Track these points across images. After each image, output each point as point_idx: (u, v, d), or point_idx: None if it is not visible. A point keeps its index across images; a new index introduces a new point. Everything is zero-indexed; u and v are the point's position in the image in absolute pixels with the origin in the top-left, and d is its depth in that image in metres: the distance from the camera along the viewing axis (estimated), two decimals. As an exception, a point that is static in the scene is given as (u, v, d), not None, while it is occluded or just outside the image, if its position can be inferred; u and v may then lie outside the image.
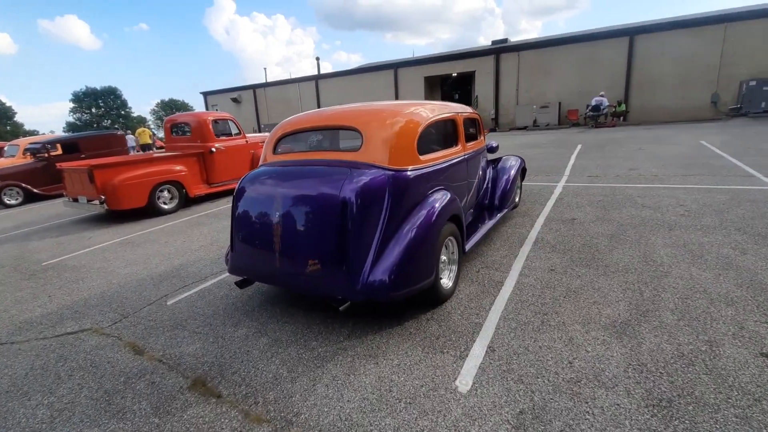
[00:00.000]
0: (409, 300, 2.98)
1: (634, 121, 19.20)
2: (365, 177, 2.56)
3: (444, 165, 3.29)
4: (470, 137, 4.17)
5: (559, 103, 20.52)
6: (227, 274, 4.17)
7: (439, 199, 3.01)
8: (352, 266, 2.52)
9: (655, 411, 2.00)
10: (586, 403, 2.09)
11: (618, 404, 2.06)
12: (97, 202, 6.67)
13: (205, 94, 34.21)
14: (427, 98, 24.49)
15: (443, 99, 26.61)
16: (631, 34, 19.14)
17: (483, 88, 22.61)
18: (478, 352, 2.57)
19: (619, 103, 18.95)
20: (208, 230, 6.02)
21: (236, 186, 3.07)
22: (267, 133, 10.45)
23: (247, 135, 9.02)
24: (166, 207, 7.25)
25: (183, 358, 2.75)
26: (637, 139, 12.95)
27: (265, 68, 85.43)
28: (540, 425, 1.96)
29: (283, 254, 2.72)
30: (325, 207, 2.55)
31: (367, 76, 26.16)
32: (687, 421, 1.91)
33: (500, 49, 22.30)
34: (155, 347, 2.92)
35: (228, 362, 2.67)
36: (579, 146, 12.35)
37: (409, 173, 2.82)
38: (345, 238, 2.50)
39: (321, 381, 2.40)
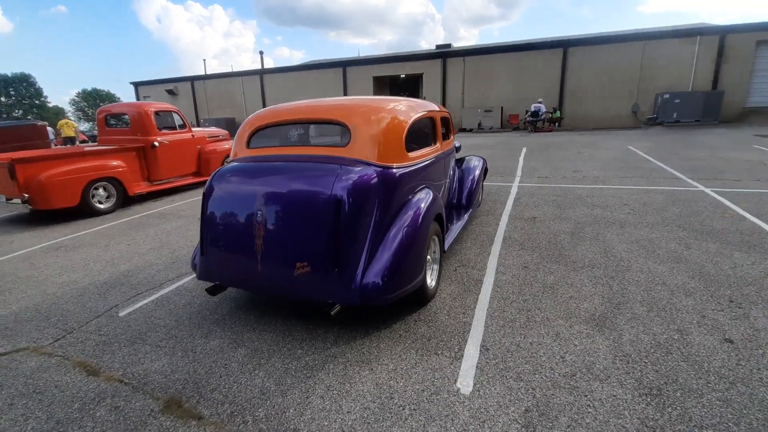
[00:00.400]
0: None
1: (567, 127, 20.73)
2: (357, 174, 2.43)
3: (426, 163, 3.25)
4: (444, 136, 4.18)
5: (502, 108, 21.56)
6: (186, 280, 3.80)
7: (424, 198, 2.96)
8: (345, 268, 2.38)
9: (649, 400, 2.10)
10: (585, 396, 2.14)
11: (614, 395, 2.14)
12: (19, 201, 5.79)
13: (137, 85, 31.48)
14: (376, 98, 24.63)
15: None
16: (565, 46, 20.64)
17: (431, 90, 23.12)
18: (472, 351, 2.55)
19: (555, 110, 20.34)
20: (155, 232, 5.47)
21: (206, 183, 2.78)
22: (215, 128, 9.83)
23: (192, 129, 8.38)
24: (101, 206, 6.49)
25: (149, 377, 2.43)
26: (574, 144, 13.95)
27: (204, 59, 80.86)
28: (548, 422, 1.98)
29: (265, 257, 2.50)
30: (316, 205, 2.38)
31: (315, 73, 25.65)
32: (678, 408, 2.03)
33: (447, 54, 22.96)
34: (113, 366, 2.56)
35: (204, 378, 2.40)
36: (524, 149, 13.03)
37: (396, 171, 2.73)
38: (338, 239, 2.36)
39: (314, 392, 2.24)
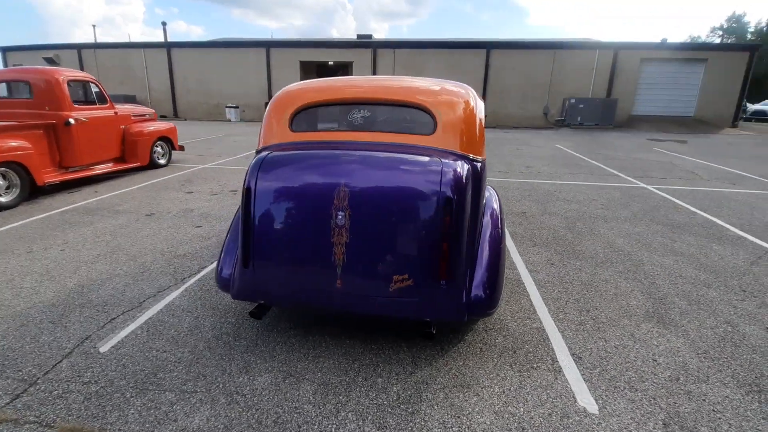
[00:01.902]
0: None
1: (491, 124, 22.02)
2: (458, 168, 2.04)
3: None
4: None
5: (430, 103, 22.03)
6: (173, 295, 3.00)
7: (493, 197, 2.68)
8: (453, 280, 1.99)
9: (756, 397, 2.12)
10: (704, 401, 2.09)
11: (726, 397, 2.12)
12: None
13: (4, 50, 25.52)
14: (302, 84, 23.39)
15: None
16: (488, 47, 21.82)
17: (361, 80, 22.74)
18: (567, 362, 2.36)
19: (480, 108, 21.45)
20: (92, 232, 4.31)
21: (247, 176, 2.13)
22: (141, 106, 8.33)
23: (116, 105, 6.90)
24: (1, 200, 4.94)
25: (197, 439, 1.78)
26: (507, 140, 14.80)
27: (94, 25, 69.49)
28: (695, 436, 1.87)
29: (349, 269, 1.98)
30: (422, 206, 1.94)
31: (235, 52, 23.36)
32: (790, 403, 2.08)
33: (377, 44, 22.69)
34: (129, 429, 1.82)
35: (273, 429, 1.83)
36: (464, 143, 13.44)
37: (479, 164, 2.39)
38: (448, 245, 1.96)
39: (431, 432, 1.84)
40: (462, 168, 2.05)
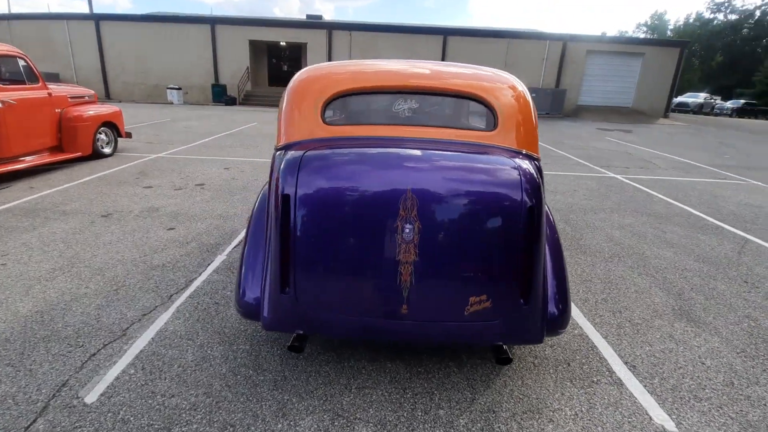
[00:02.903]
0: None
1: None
2: (532, 170, 1.78)
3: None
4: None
5: (387, 89, 21.68)
6: (164, 319, 2.51)
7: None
8: (535, 298, 1.75)
9: (810, 398, 2.13)
10: (765, 405, 2.06)
11: (784, 399, 2.11)
12: None
13: None
14: (252, 67, 21.92)
15: (270, 69, 24.32)
16: (444, 34, 21.79)
17: (316, 62, 21.69)
18: (623, 373, 2.24)
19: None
20: (39, 240, 3.56)
21: (279, 179, 1.73)
22: (78, 86, 7.25)
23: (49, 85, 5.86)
24: None
25: None
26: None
27: None
28: (778, 449, 1.81)
29: (417, 292, 1.67)
30: (503, 215, 1.66)
31: (176, 28, 21.28)
32: (842, 402, 2.10)
33: (333, 25, 21.77)
34: None
35: (341, 492, 1.51)
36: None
37: (539, 163, 2.16)
38: (531, 260, 1.71)
39: (520, 474, 1.62)
40: (535, 171, 1.80)
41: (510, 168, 1.73)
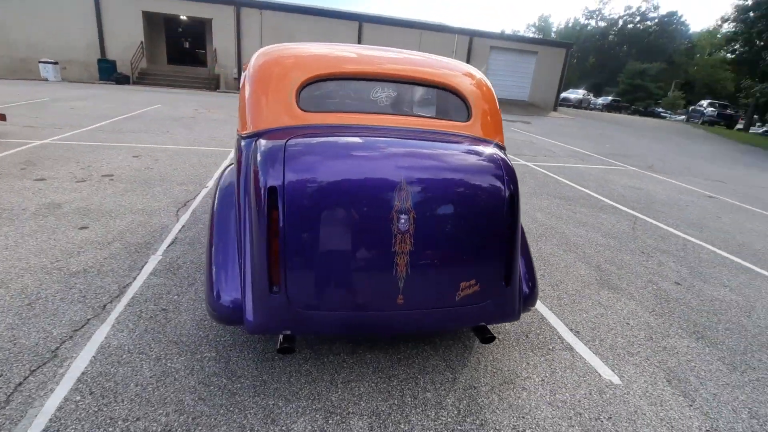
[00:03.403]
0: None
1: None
2: (508, 159, 1.90)
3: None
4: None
5: (302, 73, 20.95)
6: (105, 332, 2.17)
7: None
8: (514, 279, 1.88)
9: (704, 342, 2.64)
10: (677, 352, 2.50)
11: (688, 346, 2.58)
12: None
13: None
14: (147, 42, 19.40)
15: (169, 46, 21.73)
16: (359, 20, 21.65)
17: (223, 41, 19.97)
18: (571, 339, 2.53)
19: (355, 82, 21.39)
20: None
21: (260, 171, 1.59)
22: None
23: None
24: None
25: None
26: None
27: None
28: (685, 383, 2.22)
29: (412, 282, 1.68)
30: (490, 202, 1.74)
31: (44, -9, 17.81)
32: None
33: (242, 2, 20.19)
34: None
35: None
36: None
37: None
38: (511, 244, 1.83)
39: (510, 441, 1.75)
40: (509, 160, 1.92)
41: (493, 158, 1.82)
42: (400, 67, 2.05)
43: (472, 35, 23.10)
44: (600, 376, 2.23)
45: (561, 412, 1.95)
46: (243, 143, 1.94)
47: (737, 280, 3.66)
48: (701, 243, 4.54)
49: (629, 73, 49.73)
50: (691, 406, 2.08)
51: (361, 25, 21.45)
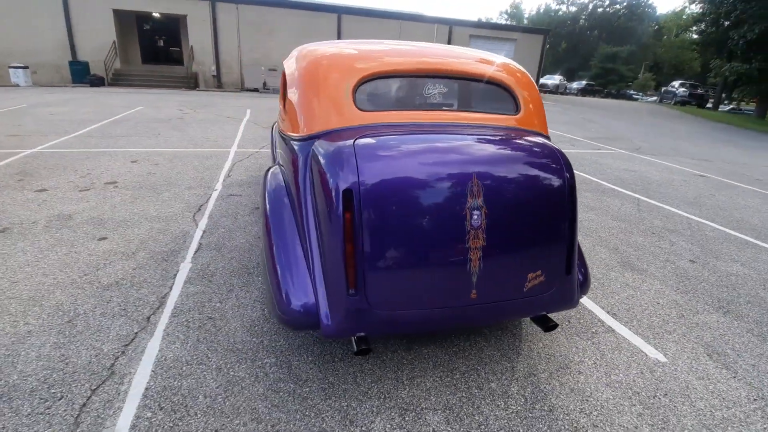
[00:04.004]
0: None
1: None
2: (563, 151, 1.94)
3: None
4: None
5: (283, 68, 20.60)
6: (155, 345, 2.13)
7: None
8: (574, 267, 1.93)
9: (732, 316, 2.77)
10: (709, 328, 2.61)
11: (717, 320, 2.70)
12: None
13: None
14: (120, 41, 18.64)
15: (143, 45, 20.91)
16: (339, 12, 21.34)
17: (199, 38, 19.35)
18: (611, 321, 2.62)
19: (337, 75, 21.12)
20: None
21: (331, 173, 1.58)
22: None
23: None
24: None
25: None
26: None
27: None
28: (724, 357, 2.33)
29: (485, 276, 1.70)
30: (553, 193, 1.77)
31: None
32: None
33: (215, -4, 19.64)
34: None
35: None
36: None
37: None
38: (571, 233, 1.87)
39: (579, 424, 1.81)
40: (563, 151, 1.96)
41: (551, 150, 1.85)
42: (449, 63, 2.05)
43: (451, 24, 23.10)
44: (646, 355, 2.32)
45: (619, 392, 2.02)
46: (297, 145, 1.92)
47: (745, 255, 3.84)
48: (703, 221, 4.73)
49: (601, 56, 50.76)
50: (735, 377, 2.19)
51: (341, 18, 21.16)
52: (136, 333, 2.22)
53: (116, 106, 10.90)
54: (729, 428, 1.86)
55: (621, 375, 2.14)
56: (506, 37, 24.57)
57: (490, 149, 1.77)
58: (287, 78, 2.07)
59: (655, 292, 3.02)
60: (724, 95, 33.81)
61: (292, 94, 1.97)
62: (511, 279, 1.78)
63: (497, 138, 1.86)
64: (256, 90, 19.59)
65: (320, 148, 1.72)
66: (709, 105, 31.00)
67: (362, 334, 1.72)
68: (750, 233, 4.45)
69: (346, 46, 2.10)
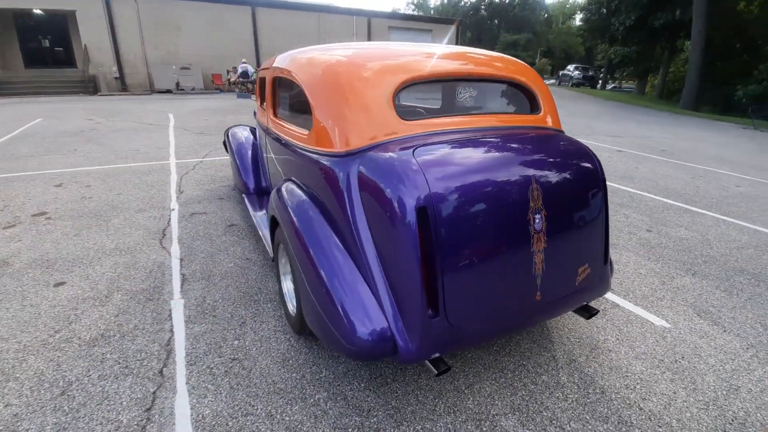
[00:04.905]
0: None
1: (270, 89, 21.00)
2: (589, 148, 2.04)
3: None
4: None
5: (200, 67, 19.01)
6: (183, 399, 1.85)
7: None
8: (609, 257, 2.05)
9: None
10: (691, 291, 2.97)
11: (703, 287, 3.08)
12: None
13: None
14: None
15: (25, 48, 17.65)
16: (253, 4, 20.15)
17: (93, 36, 16.92)
18: (610, 296, 2.84)
19: (257, 71, 20.00)
20: None
21: (396, 190, 1.49)
22: None
23: None
24: None
25: None
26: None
27: None
28: (711, 315, 2.67)
29: (547, 277, 1.73)
30: (594, 190, 1.85)
31: None
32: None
33: (106, -11, 17.31)
34: None
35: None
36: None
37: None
38: (606, 225, 1.98)
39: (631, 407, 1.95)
40: (583, 147, 2.06)
41: (585, 148, 1.93)
42: (476, 66, 2.02)
43: (370, 16, 23.11)
44: (653, 324, 2.57)
45: (648, 362, 2.22)
46: (332, 161, 1.77)
47: (685, 220, 4.42)
48: (641, 192, 5.34)
49: (503, 44, 54.44)
50: (725, 332, 2.52)
51: (255, 10, 20.03)
52: (154, 393, 1.91)
53: (8, 120, 9.22)
54: (740, 377, 2.14)
55: (642, 346, 2.35)
56: (423, 28, 25.23)
57: (539, 152, 1.79)
58: (309, 90, 1.89)
59: (633, 263, 3.35)
60: (608, 76, 38.44)
61: (319, 107, 1.81)
62: (567, 275, 1.84)
63: (541, 140, 1.89)
64: (168, 91, 17.86)
65: (374, 164, 1.61)
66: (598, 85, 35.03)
67: (437, 354, 1.66)
68: (679, 199, 5.12)
69: (369, 50, 1.97)
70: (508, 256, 1.65)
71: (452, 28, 26.05)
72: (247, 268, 3.04)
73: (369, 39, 23.35)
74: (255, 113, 4.03)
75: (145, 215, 3.96)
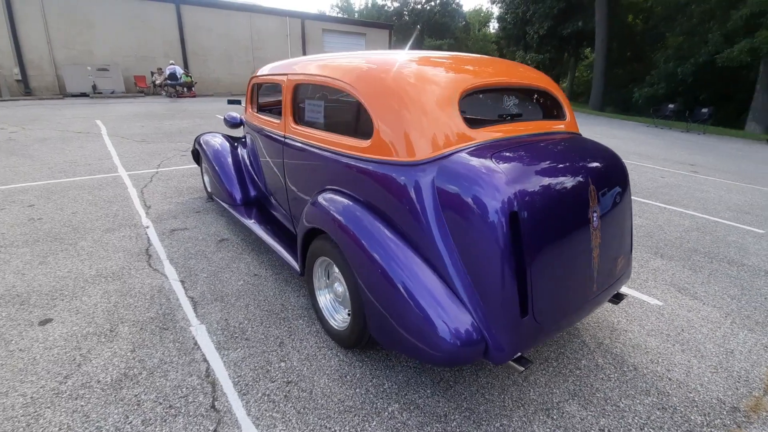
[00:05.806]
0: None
1: (201, 91, 19.69)
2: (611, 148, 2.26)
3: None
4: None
5: (120, 68, 17.19)
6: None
7: None
8: (633, 246, 2.28)
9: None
10: (664, 273, 3.39)
11: (673, 267, 3.52)
12: None
13: None
14: None
15: None
16: (177, 2, 18.72)
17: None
18: (608, 282, 3.15)
19: (186, 74, 18.64)
20: None
21: (484, 196, 1.54)
22: None
23: None
24: None
25: None
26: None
27: None
28: (689, 293, 3.08)
29: (601, 269, 1.90)
30: (624, 185, 2.06)
31: None
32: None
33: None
34: None
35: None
36: (219, 117, 11.74)
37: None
38: (631, 218, 2.21)
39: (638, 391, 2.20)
40: (602, 148, 2.28)
41: (610, 150, 2.14)
42: (516, 75, 2.13)
43: (303, 18, 22.73)
44: (649, 303, 2.90)
45: (661, 338, 2.51)
46: (399, 171, 1.77)
47: (636, 209, 5.00)
48: (592, 186, 5.93)
49: (429, 49, 56.71)
50: (705, 304, 2.93)
51: (180, 8, 18.68)
52: (215, 430, 1.75)
53: None
54: (730, 341, 2.51)
55: (649, 324, 2.65)
56: (357, 32, 25.39)
57: (586, 155, 1.96)
58: (367, 98, 1.86)
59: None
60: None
61: (382, 116, 1.78)
62: (613, 266, 2.03)
63: (580, 143, 2.06)
64: (84, 95, 15.97)
65: (455, 172, 1.64)
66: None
67: (535, 345, 1.74)
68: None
69: (411, 58, 1.99)
70: (577, 252, 1.78)
71: (385, 33, 26.55)
72: (259, 285, 2.88)
73: (303, 41, 22.96)
74: (242, 121, 3.81)
75: (117, 235, 3.55)
